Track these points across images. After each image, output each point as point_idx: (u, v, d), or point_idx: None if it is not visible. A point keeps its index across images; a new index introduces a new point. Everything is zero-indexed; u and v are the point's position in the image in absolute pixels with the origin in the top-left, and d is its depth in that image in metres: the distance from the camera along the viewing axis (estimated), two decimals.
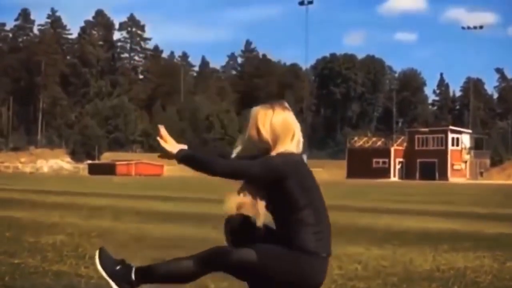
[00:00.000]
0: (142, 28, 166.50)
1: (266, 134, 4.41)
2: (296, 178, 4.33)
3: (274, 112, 4.46)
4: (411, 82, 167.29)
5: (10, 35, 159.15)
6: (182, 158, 4.53)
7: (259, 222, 4.40)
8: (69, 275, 5.89)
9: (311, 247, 4.31)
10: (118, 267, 4.53)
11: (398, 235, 10.31)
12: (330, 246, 4.43)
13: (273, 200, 4.38)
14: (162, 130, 4.62)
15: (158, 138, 4.62)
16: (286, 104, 4.56)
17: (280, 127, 4.42)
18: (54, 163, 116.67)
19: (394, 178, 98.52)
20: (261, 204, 4.39)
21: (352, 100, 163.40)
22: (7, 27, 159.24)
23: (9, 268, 6.21)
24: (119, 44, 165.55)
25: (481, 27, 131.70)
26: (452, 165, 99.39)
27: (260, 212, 4.40)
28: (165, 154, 4.61)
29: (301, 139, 4.52)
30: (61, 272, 6.04)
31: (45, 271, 6.05)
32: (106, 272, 4.53)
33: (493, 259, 7.59)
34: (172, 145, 4.60)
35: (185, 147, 4.61)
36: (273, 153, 4.38)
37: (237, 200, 4.45)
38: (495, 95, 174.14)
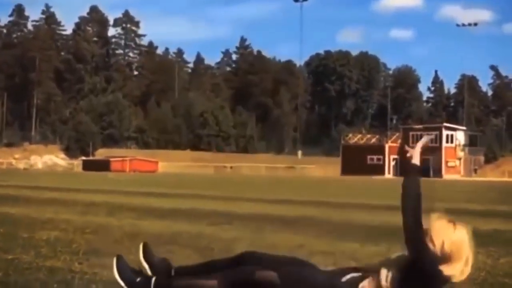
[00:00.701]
0: (136, 24, 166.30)
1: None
2: None
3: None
4: (405, 79, 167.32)
5: (4, 31, 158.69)
6: None
7: None
8: (63, 271, 5.89)
9: None
10: (138, 279, 4.51)
11: (393, 231, 10.31)
12: None
13: None
14: None
15: None
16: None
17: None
18: (48, 159, 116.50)
19: (388, 175, 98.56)
20: None
21: (347, 97, 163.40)
22: (1, 23, 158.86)
23: (3, 263, 6.20)
24: (113, 40, 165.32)
25: (475, 24, 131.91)
26: (446, 162, 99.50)
27: None
28: None
29: None
30: (55, 268, 6.03)
31: (39, 267, 6.04)
32: (125, 283, 4.52)
33: (487, 255, 7.60)
34: None
35: None
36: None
37: None
38: (490, 92, 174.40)
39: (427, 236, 4.36)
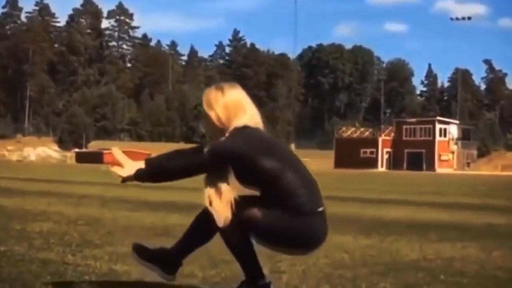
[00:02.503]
0: (130, 16, 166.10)
1: (220, 114, 4.43)
2: (258, 150, 4.34)
3: (223, 92, 4.51)
4: (399, 72, 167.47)
5: None
6: (137, 178, 4.61)
7: (219, 222, 4.39)
8: (56, 263, 5.88)
9: (304, 208, 4.33)
10: (156, 252, 4.74)
11: (385, 224, 10.34)
12: (321, 199, 4.46)
13: (248, 180, 4.39)
14: (115, 152, 4.60)
15: (111, 168, 4.63)
16: (236, 84, 4.64)
17: (230, 104, 4.45)
18: (42, 151, 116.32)
19: (381, 168, 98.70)
20: (227, 194, 4.37)
21: (340, 90, 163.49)
22: None
23: None
24: (107, 32, 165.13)
25: (469, 18, 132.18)
26: (440, 155, 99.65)
27: (222, 207, 4.37)
28: (126, 179, 4.63)
29: (257, 114, 4.53)
30: (48, 259, 6.02)
31: (32, 259, 6.03)
32: (145, 260, 4.71)
33: (480, 249, 7.61)
34: (128, 168, 4.63)
35: (141, 164, 4.58)
36: (229, 130, 4.40)
37: (206, 194, 4.42)
38: (483, 86, 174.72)
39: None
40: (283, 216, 4.31)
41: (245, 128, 4.41)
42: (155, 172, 4.55)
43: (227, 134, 4.40)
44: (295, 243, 4.37)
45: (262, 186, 4.38)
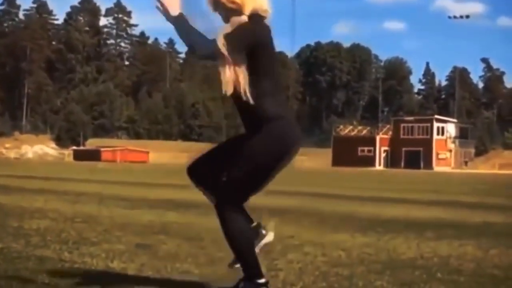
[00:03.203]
0: (128, 14, 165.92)
1: None
2: (270, 44, 4.33)
3: None
4: (397, 71, 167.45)
5: None
6: (173, 22, 4.42)
7: (242, 91, 4.30)
8: (53, 260, 5.88)
9: (276, 112, 4.33)
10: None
11: (382, 222, 10.34)
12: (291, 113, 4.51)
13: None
14: None
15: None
16: None
17: None
18: (39, 148, 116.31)
19: (379, 166, 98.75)
20: (242, 74, 4.29)
21: (338, 88, 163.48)
22: None
23: None
24: (105, 30, 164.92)
25: (467, 16, 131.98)
26: (437, 154, 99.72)
27: (241, 81, 4.29)
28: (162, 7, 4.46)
29: None
30: (44, 257, 6.03)
31: (29, 256, 6.03)
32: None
33: (477, 247, 7.62)
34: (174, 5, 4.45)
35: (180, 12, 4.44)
36: (246, 13, 4.28)
37: (230, 78, 4.29)
38: (481, 85, 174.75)
39: None
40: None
41: (266, 14, 4.34)
42: (188, 35, 4.39)
43: (244, 17, 4.28)
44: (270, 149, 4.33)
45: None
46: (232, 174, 4.38)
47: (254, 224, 4.56)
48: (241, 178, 4.38)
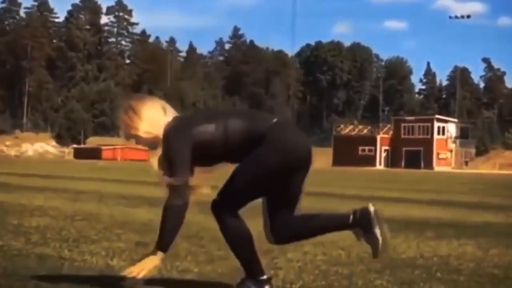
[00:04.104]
0: (129, 12, 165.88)
1: (146, 129, 4.50)
2: (199, 123, 4.43)
3: (135, 111, 4.50)
4: (397, 70, 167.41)
5: None
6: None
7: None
8: (53, 258, 5.88)
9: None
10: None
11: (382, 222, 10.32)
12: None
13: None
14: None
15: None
16: (143, 96, 4.72)
17: (149, 116, 4.49)
18: (40, 147, 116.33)
19: (379, 166, 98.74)
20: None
21: (338, 88, 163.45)
22: None
23: None
24: (106, 28, 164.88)
25: (468, 16, 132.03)
26: (438, 154, 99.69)
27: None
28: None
29: (165, 104, 4.63)
30: (44, 254, 6.03)
31: (29, 254, 6.04)
32: None
33: (477, 247, 7.62)
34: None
35: None
36: (161, 133, 4.45)
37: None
38: (482, 85, 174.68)
39: None
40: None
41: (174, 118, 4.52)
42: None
43: (161, 136, 4.44)
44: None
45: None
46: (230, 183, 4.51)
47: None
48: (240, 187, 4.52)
